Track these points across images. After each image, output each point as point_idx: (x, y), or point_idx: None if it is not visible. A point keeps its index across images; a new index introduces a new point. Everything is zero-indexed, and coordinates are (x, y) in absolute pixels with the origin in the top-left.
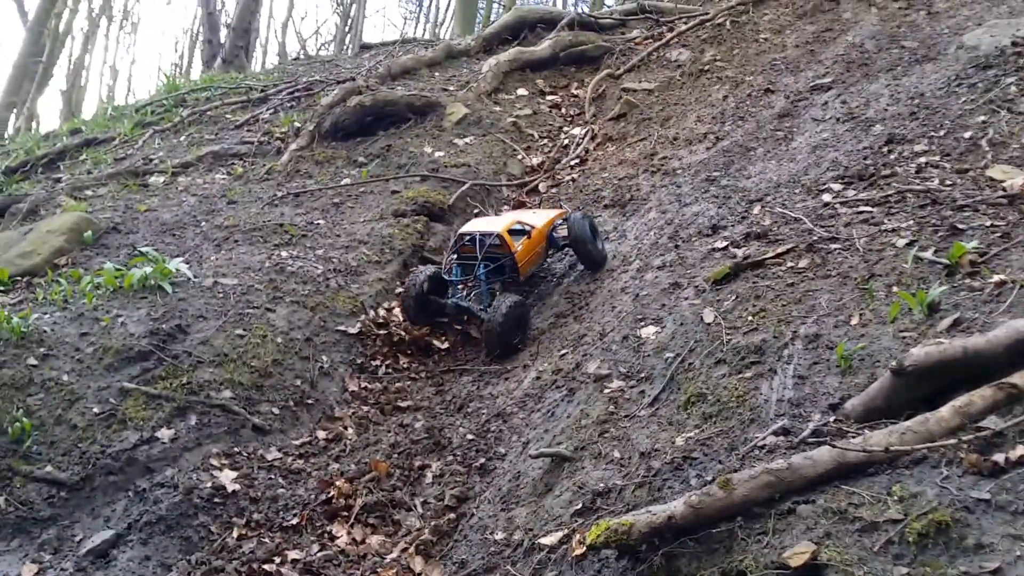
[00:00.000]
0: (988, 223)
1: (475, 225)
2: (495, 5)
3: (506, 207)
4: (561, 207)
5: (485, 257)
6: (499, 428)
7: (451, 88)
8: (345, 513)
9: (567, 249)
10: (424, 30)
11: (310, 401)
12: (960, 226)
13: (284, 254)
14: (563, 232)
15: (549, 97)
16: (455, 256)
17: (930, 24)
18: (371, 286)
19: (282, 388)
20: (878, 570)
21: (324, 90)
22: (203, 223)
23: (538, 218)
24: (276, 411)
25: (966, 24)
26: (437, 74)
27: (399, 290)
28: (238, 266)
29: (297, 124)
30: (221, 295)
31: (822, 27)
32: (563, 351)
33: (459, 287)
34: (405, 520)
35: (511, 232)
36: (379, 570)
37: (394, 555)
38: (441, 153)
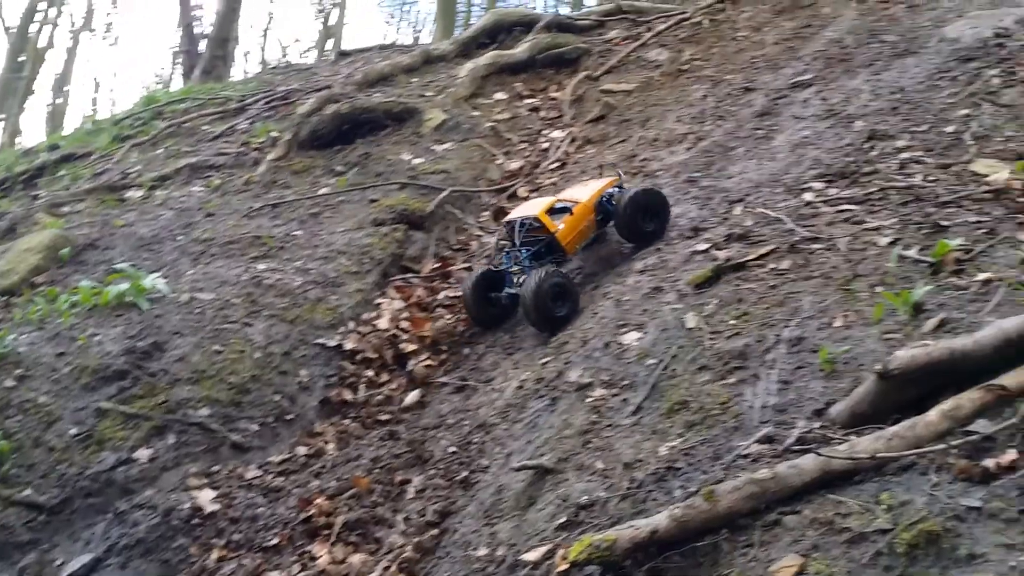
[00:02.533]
0: (973, 219)
1: (517, 211)
2: (475, 8)
3: (485, 213)
4: (617, 175)
5: (525, 242)
6: (482, 440)
7: (429, 94)
8: (326, 531)
9: None
10: (407, 35)
11: (289, 417)
12: (944, 223)
13: (262, 267)
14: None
15: (528, 100)
16: (504, 245)
17: (910, 17)
18: (350, 297)
19: (261, 404)
20: None
21: (301, 99)
22: (180, 237)
23: (585, 191)
24: (255, 427)
25: (947, 16)
26: (415, 80)
27: (378, 300)
28: (215, 280)
29: (274, 134)
30: (198, 310)
31: (801, 23)
32: (545, 359)
33: (512, 278)
34: (387, 537)
35: (551, 212)
36: None
37: (376, 574)
38: (420, 160)
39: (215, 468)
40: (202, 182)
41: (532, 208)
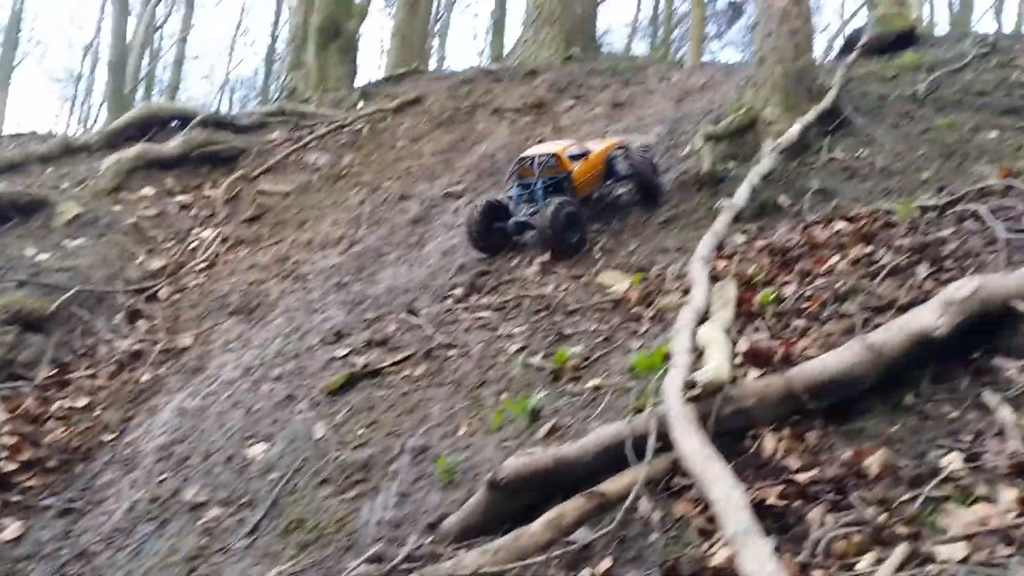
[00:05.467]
0: (593, 327)
1: (534, 149)
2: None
3: (120, 314)
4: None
5: (541, 176)
6: (79, 571)
7: (65, 185)
8: None
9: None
10: (79, 123)
11: None
12: (568, 331)
13: None
14: (624, 164)
15: (179, 197)
16: (515, 180)
17: (552, 138)
18: None
19: None
20: None
21: None
22: None
23: (596, 145)
24: None
25: (590, 136)
26: (51, 170)
27: None
28: None
29: None
30: None
31: (457, 137)
32: (163, 475)
33: (520, 207)
34: None
35: (568, 155)
36: None
37: None
38: (46, 255)
39: None
40: None
41: (550, 147)
